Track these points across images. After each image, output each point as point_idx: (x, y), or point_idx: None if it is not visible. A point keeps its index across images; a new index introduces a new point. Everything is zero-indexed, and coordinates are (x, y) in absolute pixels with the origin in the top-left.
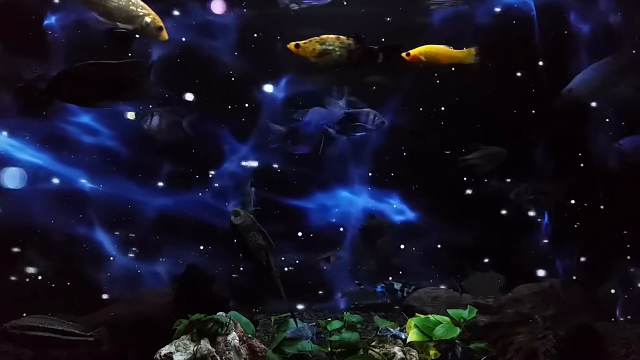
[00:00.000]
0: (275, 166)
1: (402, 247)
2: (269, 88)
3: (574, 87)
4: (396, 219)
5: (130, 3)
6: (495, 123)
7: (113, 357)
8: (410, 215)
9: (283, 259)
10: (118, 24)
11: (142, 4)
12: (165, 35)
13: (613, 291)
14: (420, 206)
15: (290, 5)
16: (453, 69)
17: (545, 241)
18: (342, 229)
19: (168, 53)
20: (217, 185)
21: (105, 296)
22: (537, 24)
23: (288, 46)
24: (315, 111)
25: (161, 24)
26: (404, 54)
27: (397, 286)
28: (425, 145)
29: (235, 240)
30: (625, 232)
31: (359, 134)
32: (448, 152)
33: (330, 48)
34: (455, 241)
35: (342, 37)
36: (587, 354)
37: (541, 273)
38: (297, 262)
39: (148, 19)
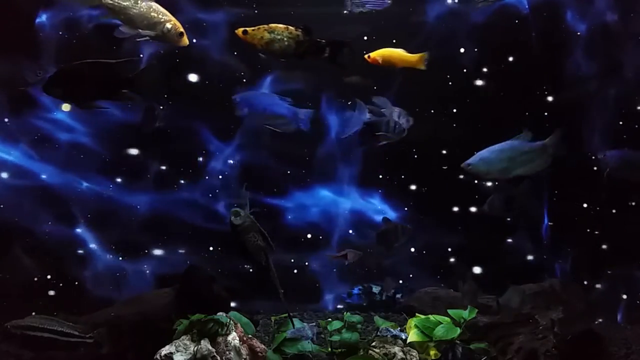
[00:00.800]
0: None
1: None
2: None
3: (473, 163)
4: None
5: (151, 9)
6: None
7: (113, 357)
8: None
9: (292, 260)
10: (140, 30)
11: (163, 10)
12: (185, 40)
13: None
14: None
15: (352, 9)
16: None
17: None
18: (350, 231)
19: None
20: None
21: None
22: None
23: (235, 31)
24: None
25: (182, 29)
26: (365, 56)
27: (376, 289)
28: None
29: (235, 241)
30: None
31: (381, 144)
32: (445, 167)
33: (279, 37)
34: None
35: (290, 27)
36: (587, 354)
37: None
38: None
39: (169, 25)
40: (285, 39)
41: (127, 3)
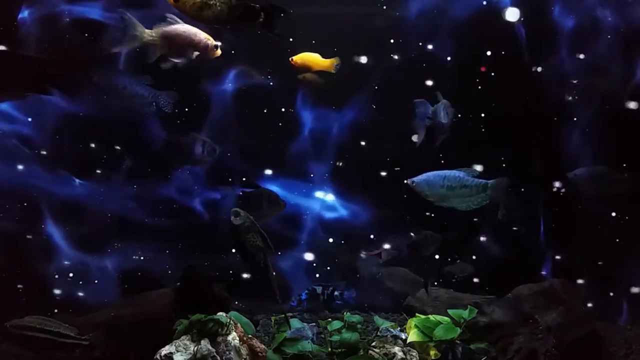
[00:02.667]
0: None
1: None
2: None
3: (417, 182)
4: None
5: (185, 32)
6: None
7: (113, 357)
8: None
9: (314, 264)
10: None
11: (195, 29)
12: (219, 51)
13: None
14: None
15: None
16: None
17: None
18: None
19: None
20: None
21: None
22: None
23: None
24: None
25: (214, 42)
26: (289, 60)
27: (318, 289)
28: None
29: (234, 241)
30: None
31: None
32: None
33: (211, 2)
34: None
35: None
36: (588, 354)
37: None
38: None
39: (205, 42)
40: (217, 3)
41: None
